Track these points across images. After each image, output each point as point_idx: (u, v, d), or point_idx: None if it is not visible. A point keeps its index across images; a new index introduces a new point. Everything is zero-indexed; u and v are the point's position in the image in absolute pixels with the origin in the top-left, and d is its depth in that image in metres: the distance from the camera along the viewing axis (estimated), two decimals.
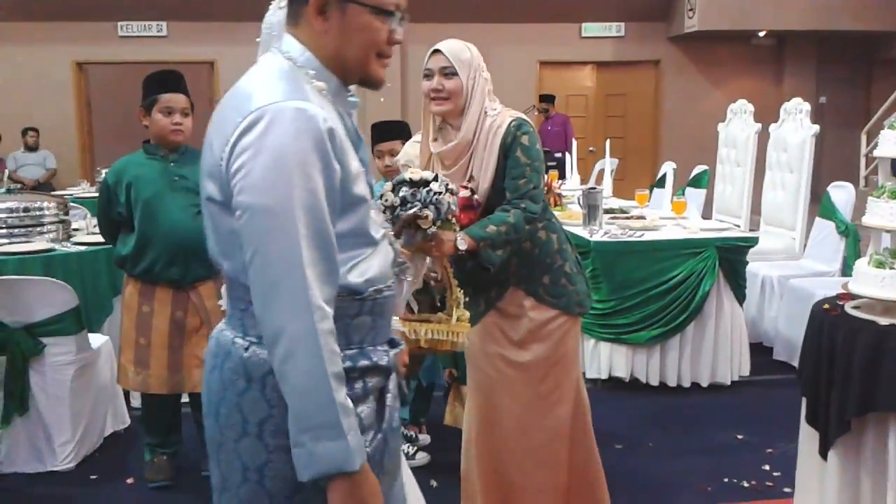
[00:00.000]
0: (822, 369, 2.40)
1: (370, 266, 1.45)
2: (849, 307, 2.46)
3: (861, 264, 2.46)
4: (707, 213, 5.94)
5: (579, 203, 4.57)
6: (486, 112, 2.42)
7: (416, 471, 3.32)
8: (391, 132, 3.45)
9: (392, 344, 1.53)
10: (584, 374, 4.22)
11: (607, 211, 5.11)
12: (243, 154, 1.31)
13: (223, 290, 1.53)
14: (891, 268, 2.37)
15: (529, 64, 11.23)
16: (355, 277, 1.42)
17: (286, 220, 1.29)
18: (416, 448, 3.47)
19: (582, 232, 4.23)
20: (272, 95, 1.33)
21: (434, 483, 3.19)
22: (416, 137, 2.68)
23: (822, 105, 11.57)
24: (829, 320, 2.43)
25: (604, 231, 4.36)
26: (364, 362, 1.43)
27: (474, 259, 2.33)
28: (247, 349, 1.42)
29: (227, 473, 1.46)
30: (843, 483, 2.34)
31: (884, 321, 2.32)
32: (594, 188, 4.62)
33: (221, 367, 1.45)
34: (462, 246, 2.27)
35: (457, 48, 2.41)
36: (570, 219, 4.57)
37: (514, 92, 10.83)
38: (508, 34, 10.93)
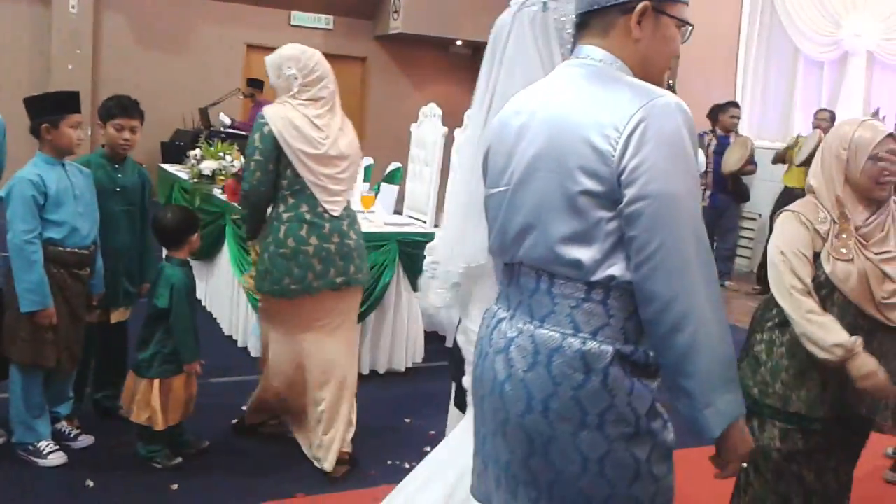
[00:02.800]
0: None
1: None
2: None
3: None
4: (400, 209, 6.20)
5: None
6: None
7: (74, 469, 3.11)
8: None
9: None
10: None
11: None
12: (641, 150, 1.41)
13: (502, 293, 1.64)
14: None
15: (237, 46, 10.94)
16: None
17: (691, 203, 1.43)
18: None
19: None
20: (643, 94, 1.46)
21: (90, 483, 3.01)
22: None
23: None
24: None
25: None
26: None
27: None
28: (584, 343, 1.48)
29: (562, 466, 1.50)
30: None
31: None
32: None
33: (548, 364, 1.49)
34: None
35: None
36: None
37: (221, 74, 10.52)
38: (216, 13, 10.55)
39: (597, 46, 1.59)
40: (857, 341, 2.12)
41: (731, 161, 7.26)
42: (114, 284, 3.43)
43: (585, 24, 1.62)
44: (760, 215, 8.02)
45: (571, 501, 1.52)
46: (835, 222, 2.23)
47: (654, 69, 1.60)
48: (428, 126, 6.11)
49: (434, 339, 4.95)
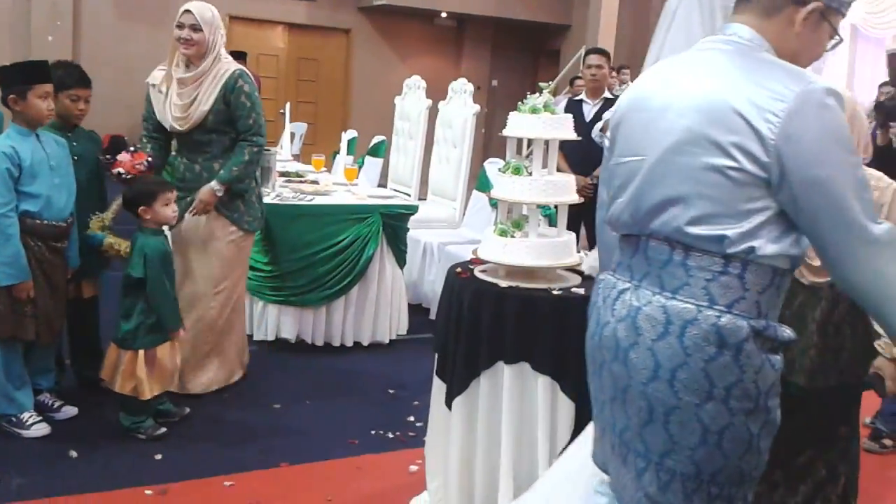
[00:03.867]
0: (451, 327, 2.64)
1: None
2: (477, 271, 2.72)
3: (488, 232, 2.73)
4: (385, 182, 6.20)
5: None
6: (219, 57, 3.55)
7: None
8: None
9: None
10: (251, 336, 4.24)
11: (283, 174, 5.13)
12: (803, 135, 1.46)
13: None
14: (512, 236, 2.66)
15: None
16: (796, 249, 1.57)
17: (852, 183, 1.48)
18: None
19: None
20: (800, 77, 1.51)
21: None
22: (162, 65, 3.61)
23: (494, 87, 12.58)
24: (459, 283, 2.66)
25: (276, 194, 4.37)
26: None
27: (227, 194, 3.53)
28: (719, 317, 1.51)
29: (680, 436, 1.54)
30: (464, 429, 2.61)
31: (504, 283, 2.60)
32: (268, 149, 4.59)
33: (681, 335, 1.52)
34: (219, 191, 3.50)
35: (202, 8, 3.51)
36: None
37: None
38: None
39: (747, 25, 1.63)
40: None
41: None
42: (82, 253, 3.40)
43: (748, 0, 1.65)
44: None
45: (682, 471, 1.56)
46: None
47: (799, 65, 1.61)
48: (412, 98, 6.10)
49: (418, 311, 4.98)
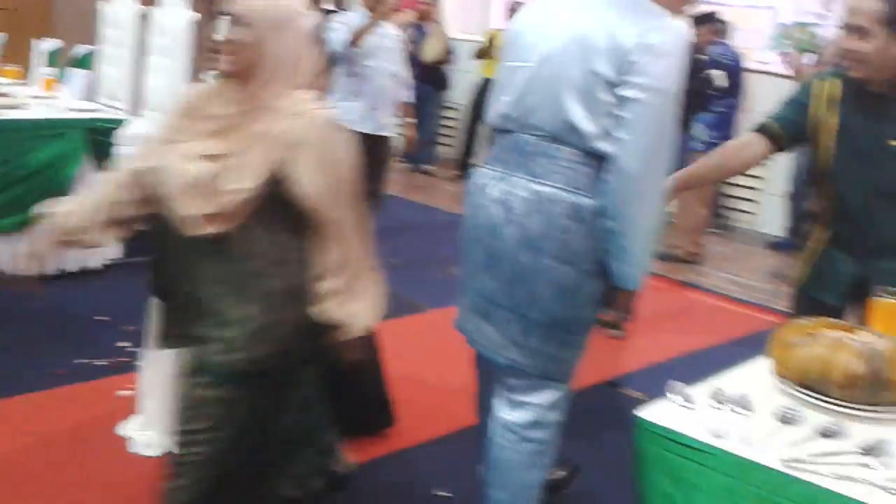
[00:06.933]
0: None
1: None
2: None
3: None
4: (95, 97, 5.68)
5: None
6: None
7: None
8: None
9: None
10: None
11: None
12: (650, 54, 1.83)
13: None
14: None
15: None
16: None
17: (675, 104, 1.88)
18: None
19: None
20: (659, 15, 1.90)
21: None
22: None
23: None
24: None
25: None
26: None
27: None
28: (577, 198, 1.91)
29: (542, 293, 1.94)
30: None
31: None
32: None
33: (546, 212, 1.91)
34: None
35: None
36: None
37: None
38: None
39: None
40: None
41: (431, 51, 7.53)
42: None
43: None
44: (461, 105, 8.29)
45: (542, 321, 1.97)
46: None
47: (671, 10, 1.95)
48: (121, 3, 5.61)
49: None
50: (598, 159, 1.90)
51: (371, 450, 2.80)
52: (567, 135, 1.91)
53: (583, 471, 2.64)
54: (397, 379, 2.91)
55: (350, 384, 2.39)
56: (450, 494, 2.60)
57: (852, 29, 2.00)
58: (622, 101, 1.85)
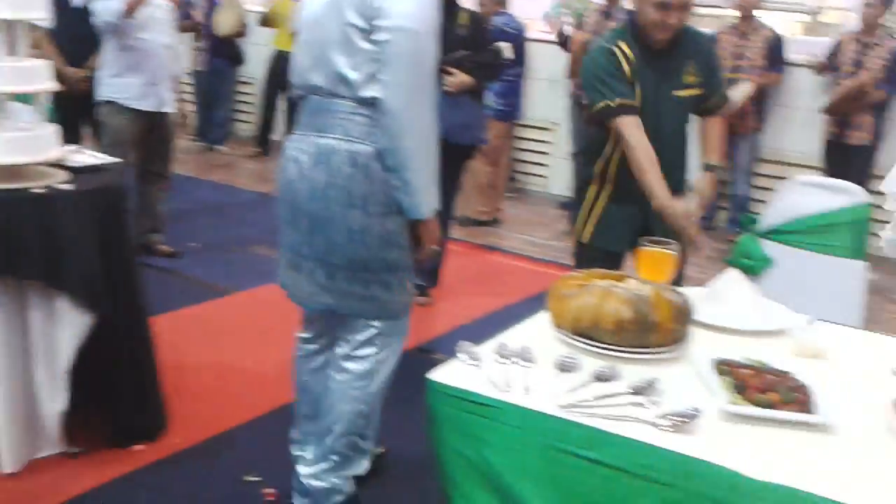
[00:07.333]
0: None
1: None
2: None
3: None
4: None
5: None
6: None
7: None
8: None
9: None
10: None
11: None
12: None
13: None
14: None
15: None
16: None
17: (428, 41, 2.02)
18: None
19: None
20: None
21: None
22: None
23: None
24: None
25: None
26: None
27: None
28: (352, 146, 2.07)
29: (336, 238, 2.10)
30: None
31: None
32: None
33: (328, 162, 2.09)
34: None
35: None
36: None
37: None
38: None
39: None
40: None
41: (225, 24, 7.16)
42: None
43: None
44: (256, 80, 7.96)
45: (340, 264, 2.11)
46: None
47: None
48: None
49: None
50: (370, 107, 2.04)
51: (175, 443, 2.71)
52: (340, 88, 2.07)
53: (395, 437, 2.69)
54: (202, 367, 2.81)
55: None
56: (259, 478, 2.56)
57: (676, 6, 2.43)
58: (379, 45, 1.98)
